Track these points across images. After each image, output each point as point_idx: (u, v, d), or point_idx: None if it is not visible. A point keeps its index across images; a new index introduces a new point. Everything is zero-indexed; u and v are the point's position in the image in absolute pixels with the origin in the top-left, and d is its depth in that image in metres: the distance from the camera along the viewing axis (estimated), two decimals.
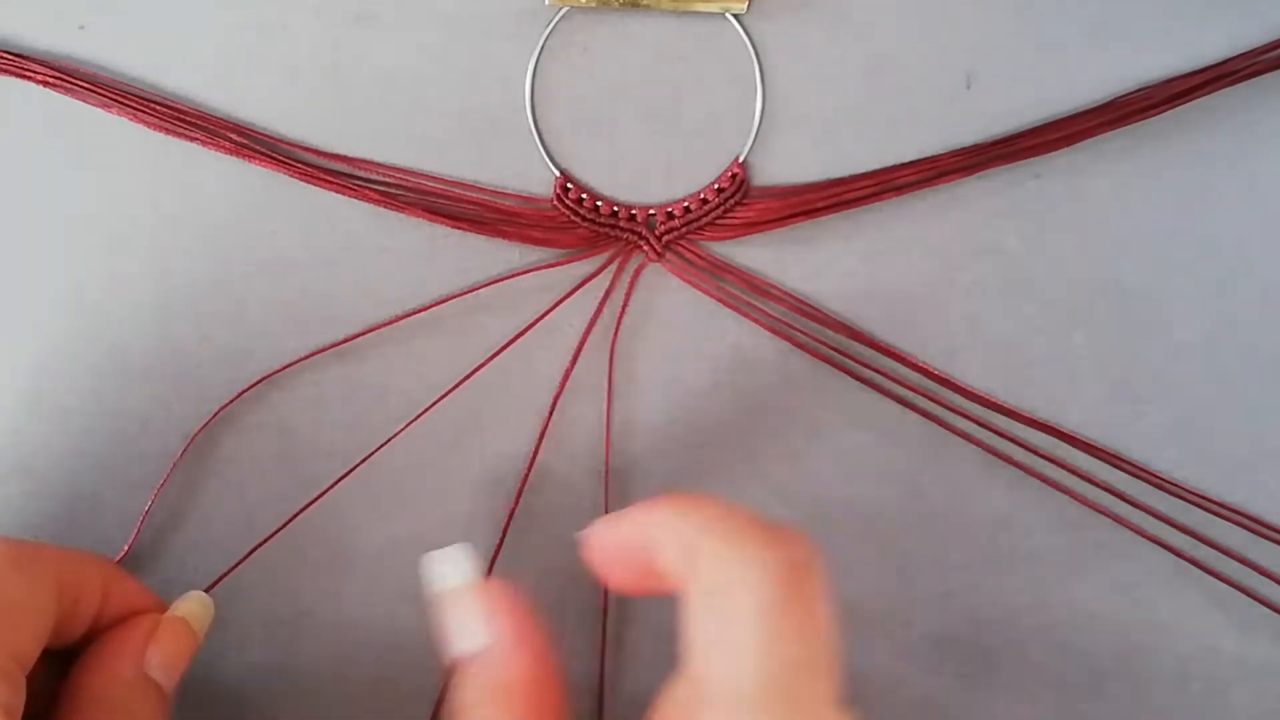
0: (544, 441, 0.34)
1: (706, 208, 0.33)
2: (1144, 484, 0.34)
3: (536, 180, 0.33)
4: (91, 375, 0.34)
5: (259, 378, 0.34)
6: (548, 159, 0.33)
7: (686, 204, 0.33)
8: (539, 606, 0.35)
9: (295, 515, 0.33)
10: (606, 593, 0.35)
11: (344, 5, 0.32)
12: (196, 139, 0.32)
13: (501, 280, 0.34)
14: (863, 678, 0.36)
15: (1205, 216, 0.34)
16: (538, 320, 0.34)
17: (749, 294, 0.34)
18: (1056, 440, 0.34)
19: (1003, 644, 0.36)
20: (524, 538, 0.35)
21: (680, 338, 0.34)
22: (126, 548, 0.33)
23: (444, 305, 0.34)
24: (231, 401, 0.33)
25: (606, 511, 0.35)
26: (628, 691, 0.36)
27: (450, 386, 0.33)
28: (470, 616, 0.27)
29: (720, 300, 0.34)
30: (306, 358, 0.34)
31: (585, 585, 0.35)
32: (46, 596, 0.28)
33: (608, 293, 0.34)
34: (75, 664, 0.30)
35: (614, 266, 0.34)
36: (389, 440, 0.33)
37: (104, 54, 0.33)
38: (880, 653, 0.36)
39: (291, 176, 0.33)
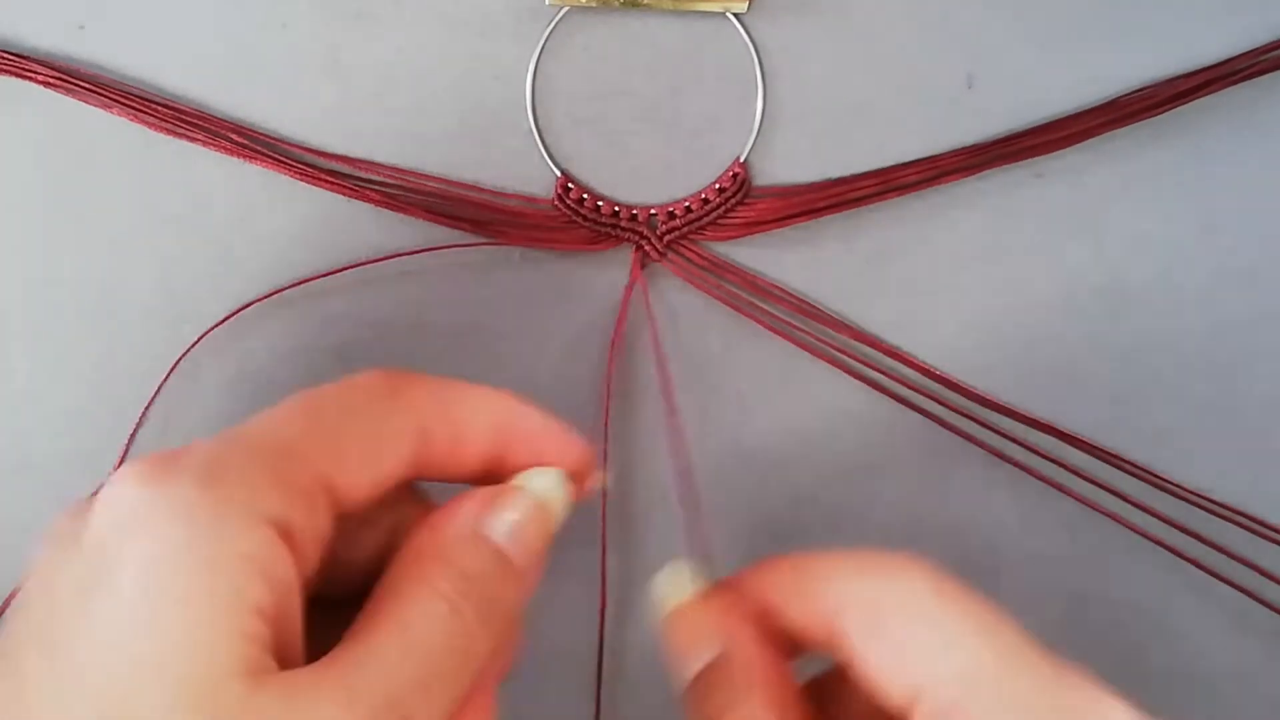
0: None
1: (707, 207, 0.33)
2: (1144, 484, 0.34)
3: (537, 180, 0.33)
4: (91, 375, 0.34)
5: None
6: (548, 159, 0.33)
7: (687, 204, 0.33)
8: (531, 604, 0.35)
9: None
10: (604, 591, 0.35)
11: (343, 5, 0.32)
12: (196, 139, 0.32)
13: (502, 281, 0.34)
14: None
15: (1205, 216, 0.34)
16: (537, 312, 0.34)
17: (750, 294, 0.34)
18: (1057, 440, 0.34)
19: None
20: None
21: (679, 338, 0.34)
22: None
23: (444, 306, 0.34)
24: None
25: (603, 510, 0.35)
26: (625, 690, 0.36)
27: None
28: (701, 627, 0.26)
29: (721, 300, 0.34)
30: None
31: (580, 580, 0.35)
32: (398, 427, 0.25)
33: (608, 293, 0.34)
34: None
35: (614, 267, 0.34)
36: None
37: (104, 54, 0.32)
38: None
39: (291, 176, 0.33)
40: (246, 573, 0.22)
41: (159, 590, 0.21)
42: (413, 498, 0.27)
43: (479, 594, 0.24)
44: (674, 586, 0.27)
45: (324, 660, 0.22)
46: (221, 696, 0.21)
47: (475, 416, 0.27)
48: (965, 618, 0.23)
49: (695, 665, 0.26)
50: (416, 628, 0.23)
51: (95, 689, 0.21)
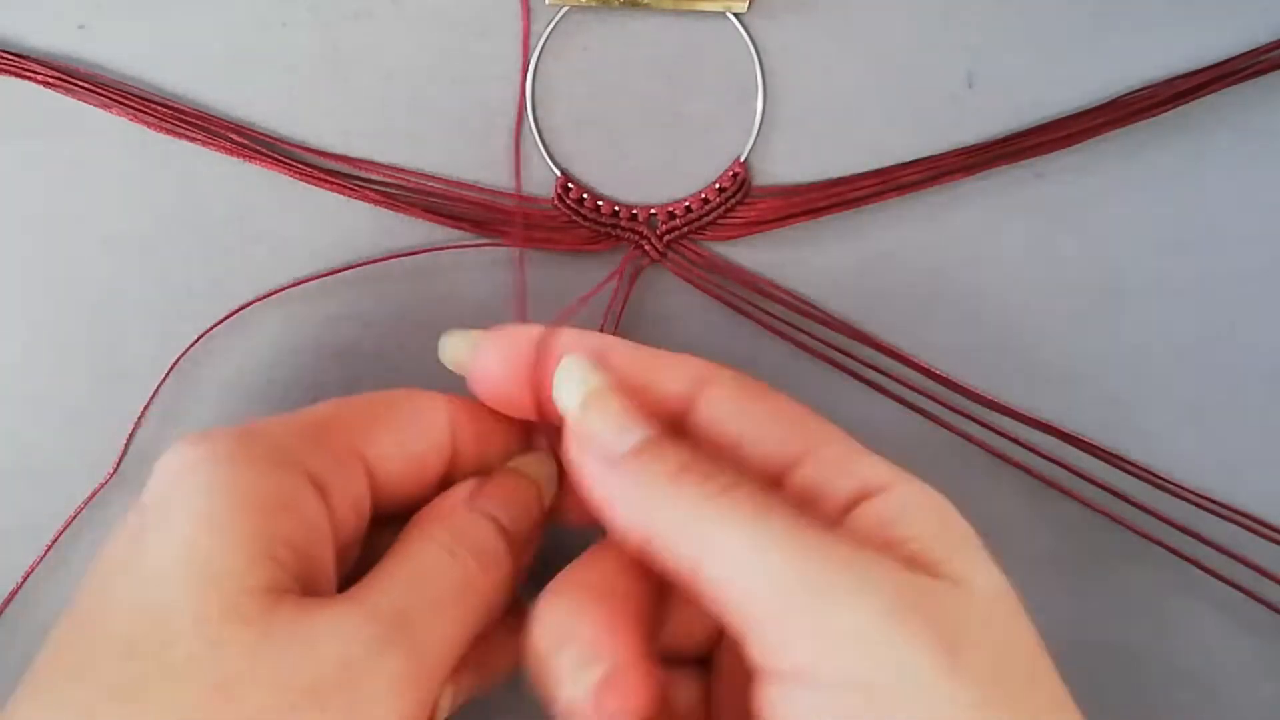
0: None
1: (707, 207, 0.33)
2: (1144, 484, 0.34)
3: (537, 180, 0.33)
4: (91, 375, 0.34)
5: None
6: (548, 159, 0.33)
7: (687, 204, 0.33)
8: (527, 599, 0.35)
9: None
10: None
11: (342, 4, 0.32)
12: (196, 139, 0.32)
13: (502, 281, 0.34)
14: None
15: (1206, 216, 0.34)
16: (536, 312, 0.34)
17: (750, 294, 0.34)
18: (1058, 440, 0.34)
19: None
20: None
21: (681, 338, 0.34)
22: None
23: (444, 307, 0.34)
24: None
25: None
26: None
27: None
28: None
29: (721, 300, 0.34)
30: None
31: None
32: (431, 420, 0.28)
33: (609, 293, 0.34)
34: None
35: (615, 267, 0.34)
36: None
37: (104, 54, 0.32)
38: None
39: (291, 176, 0.33)
40: (278, 509, 0.24)
41: (199, 521, 0.24)
42: None
43: (473, 545, 0.26)
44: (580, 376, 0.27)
45: (340, 594, 0.25)
46: (244, 608, 0.23)
47: (500, 423, 0.29)
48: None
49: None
50: (419, 562, 0.26)
51: (138, 606, 0.23)
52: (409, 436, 0.28)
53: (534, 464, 0.29)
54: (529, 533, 0.28)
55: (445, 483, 0.29)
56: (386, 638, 0.24)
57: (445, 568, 0.26)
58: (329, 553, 0.26)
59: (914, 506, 0.24)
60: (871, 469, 0.25)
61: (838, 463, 0.25)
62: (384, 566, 0.26)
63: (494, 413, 0.29)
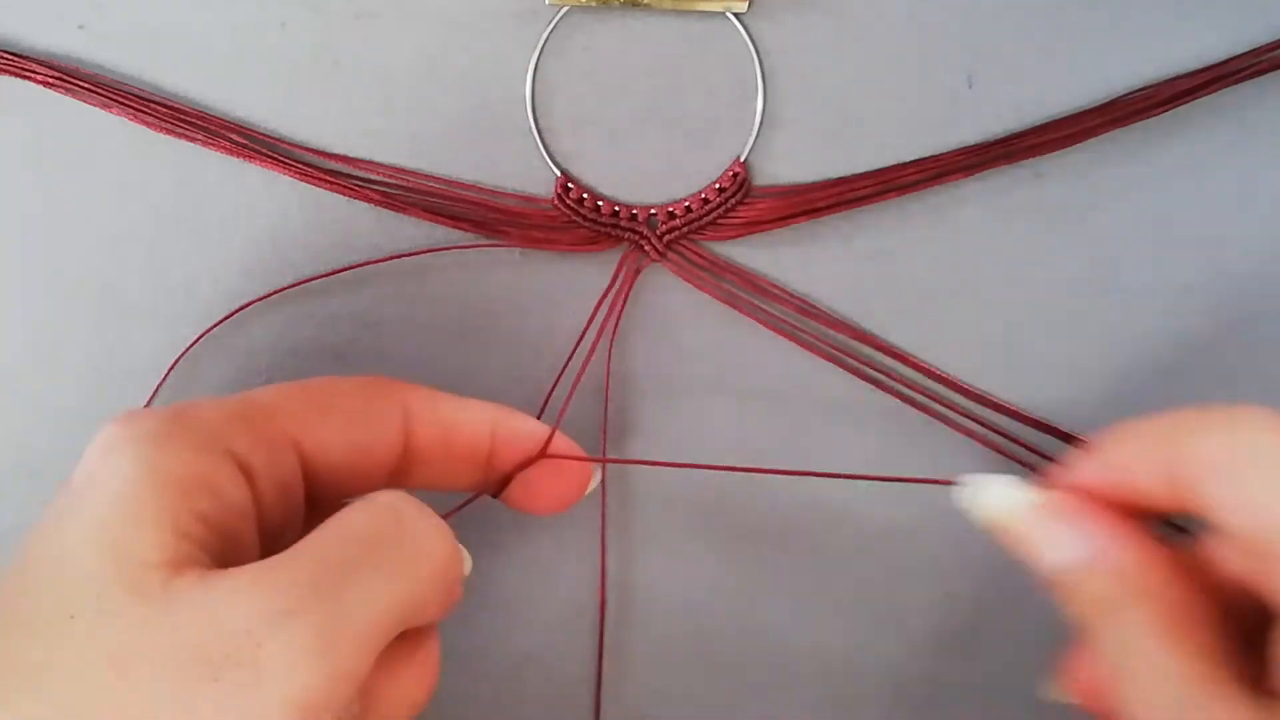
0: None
1: (707, 207, 0.33)
2: None
3: (537, 180, 0.33)
4: (91, 375, 0.34)
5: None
6: (548, 159, 0.33)
7: (687, 204, 0.33)
8: (531, 599, 0.35)
9: None
10: (604, 591, 0.35)
11: (343, 4, 0.32)
12: (196, 139, 0.32)
13: (502, 280, 0.34)
14: (862, 676, 0.36)
15: (1206, 216, 0.34)
16: (536, 311, 0.34)
17: (750, 294, 0.34)
18: (1057, 440, 0.34)
19: (1003, 644, 0.36)
20: (520, 535, 0.35)
21: (681, 338, 0.34)
22: None
23: (444, 307, 0.34)
24: None
25: (603, 510, 0.35)
26: (626, 692, 0.36)
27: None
28: (1054, 532, 0.27)
29: (721, 300, 0.34)
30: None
31: (580, 580, 0.35)
32: (379, 410, 0.28)
33: (608, 293, 0.34)
34: None
35: (615, 266, 0.34)
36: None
37: (104, 54, 0.32)
38: (879, 653, 0.36)
39: (291, 176, 0.33)
40: (193, 487, 0.24)
41: (111, 500, 0.24)
42: None
43: (420, 509, 0.26)
44: (1006, 499, 0.27)
45: (249, 564, 0.24)
46: (144, 581, 0.23)
47: (464, 417, 0.29)
48: None
49: (1060, 570, 0.27)
50: (351, 518, 0.25)
51: (48, 584, 0.23)
52: (354, 427, 0.28)
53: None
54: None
55: (401, 472, 0.28)
56: (295, 607, 0.22)
57: (380, 532, 0.25)
58: (251, 532, 0.25)
59: None
60: None
61: None
62: (305, 538, 0.24)
63: (457, 405, 0.29)
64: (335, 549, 0.24)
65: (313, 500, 0.28)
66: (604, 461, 0.34)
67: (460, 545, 0.27)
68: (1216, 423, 0.25)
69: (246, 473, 0.25)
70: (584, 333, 0.34)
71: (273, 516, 0.26)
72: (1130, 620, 0.25)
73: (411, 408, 0.29)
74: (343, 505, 0.26)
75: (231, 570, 0.23)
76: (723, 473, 0.35)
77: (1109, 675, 0.26)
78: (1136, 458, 0.26)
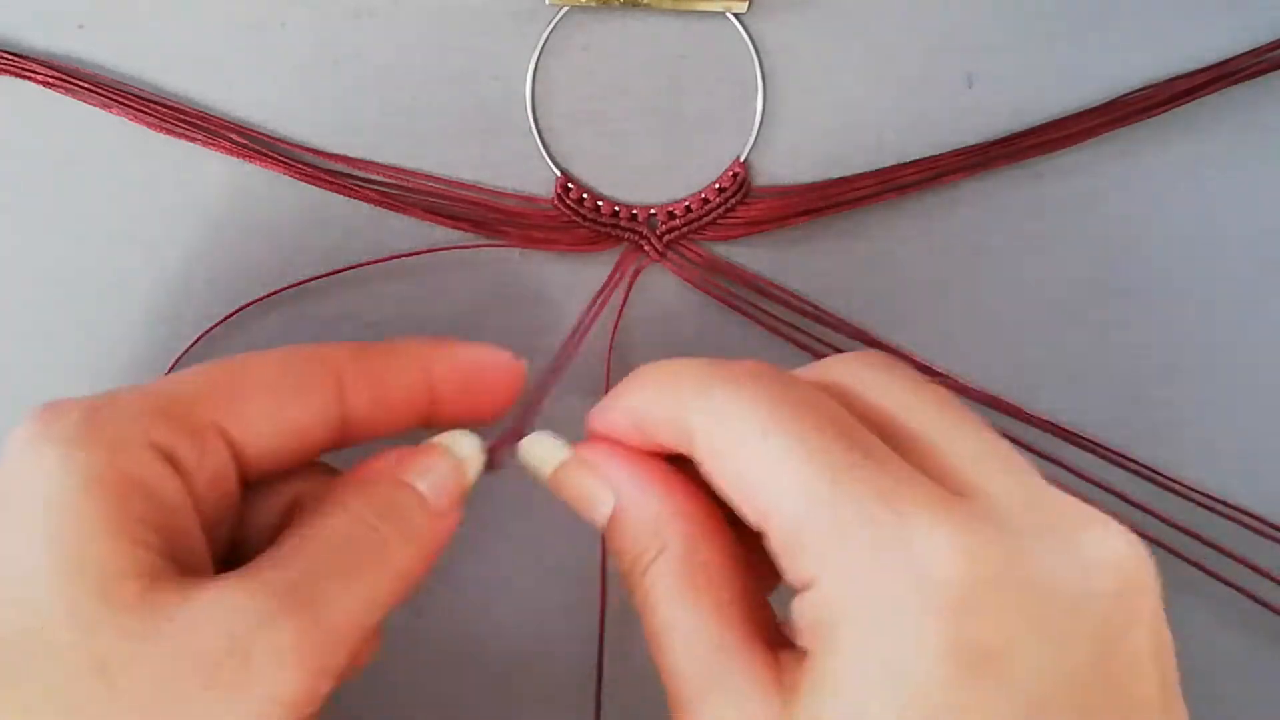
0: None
1: (707, 207, 0.33)
2: (1145, 484, 0.34)
3: (537, 180, 0.33)
4: (91, 375, 0.34)
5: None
6: (548, 159, 0.33)
7: (687, 204, 0.33)
8: (531, 598, 0.35)
9: None
10: (604, 590, 0.35)
11: (343, 3, 0.32)
12: (196, 139, 0.32)
13: (502, 280, 0.34)
14: None
15: (1205, 216, 0.34)
16: (535, 311, 0.34)
17: (750, 294, 0.34)
18: (1058, 440, 0.34)
19: None
20: (521, 536, 0.35)
21: (681, 338, 0.34)
22: None
23: (444, 307, 0.34)
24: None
25: None
26: (627, 680, 0.36)
27: None
28: (590, 483, 0.26)
29: (721, 300, 0.34)
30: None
31: (580, 580, 0.35)
32: (307, 381, 0.27)
33: (608, 293, 0.34)
34: None
35: (614, 267, 0.34)
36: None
37: (104, 54, 0.32)
38: None
39: (291, 176, 0.33)
40: (127, 487, 0.23)
41: (48, 510, 0.23)
42: (327, 472, 0.28)
43: (396, 514, 0.25)
44: (545, 452, 0.27)
45: (231, 571, 0.24)
46: (118, 592, 0.22)
47: (398, 364, 0.28)
48: (795, 444, 0.22)
49: (600, 522, 0.26)
50: (330, 532, 0.25)
51: (4, 600, 0.22)
52: (283, 406, 0.26)
53: (460, 441, 0.28)
54: (451, 517, 0.27)
55: (338, 443, 0.28)
56: (278, 610, 0.23)
57: (357, 537, 0.25)
58: (195, 529, 0.25)
59: None
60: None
61: None
62: (287, 538, 0.24)
63: (386, 355, 0.28)
64: (330, 556, 0.24)
65: (248, 482, 0.27)
66: None
67: (459, 457, 0.27)
68: (708, 388, 0.24)
69: (175, 467, 0.25)
70: (583, 332, 0.34)
71: (210, 509, 0.26)
72: (656, 576, 0.25)
73: (342, 371, 0.27)
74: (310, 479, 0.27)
75: (211, 579, 0.23)
76: None
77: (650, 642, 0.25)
78: (651, 407, 0.25)
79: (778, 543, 0.23)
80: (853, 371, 0.25)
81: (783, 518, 0.22)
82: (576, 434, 0.34)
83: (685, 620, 0.24)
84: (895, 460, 0.22)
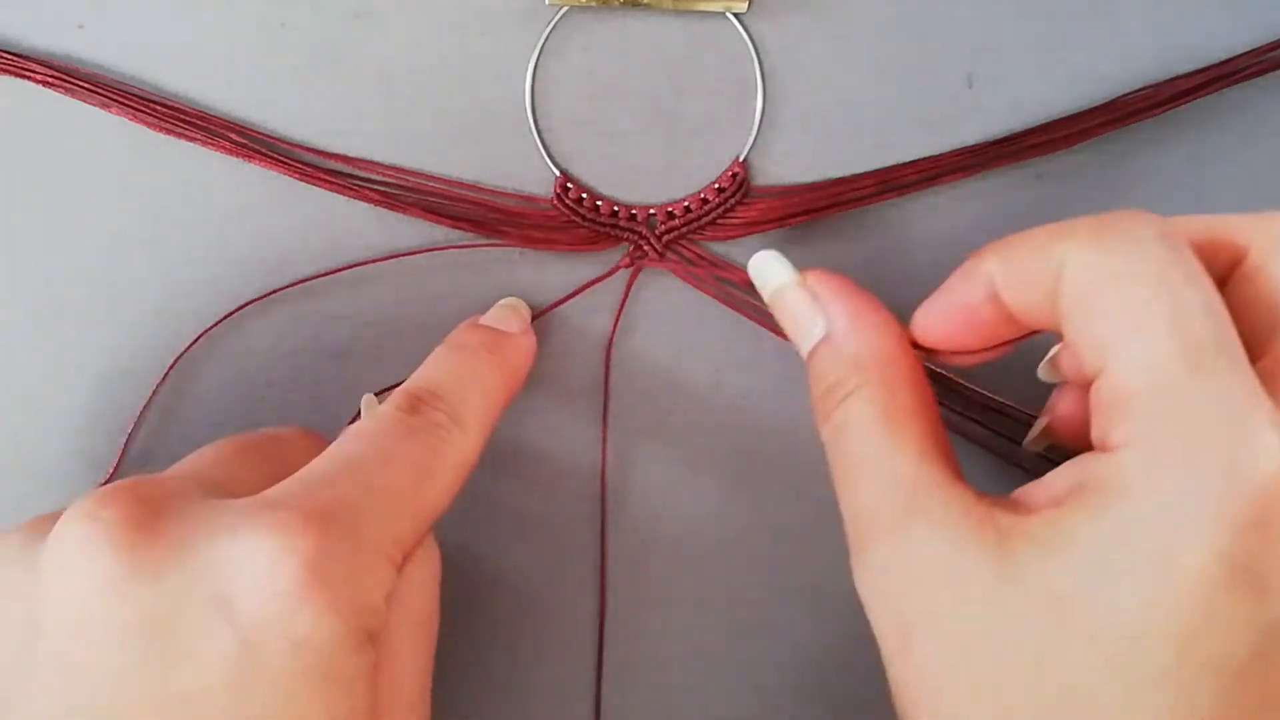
0: (541, 441, 0.34)
1: (707, 207, 0.33)
2: None
3: (536, 180, 0.33)
4: (91, 375, 0.34)
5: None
6: (547, 159, 0.33)
7: (687, 204, 0.33)
8: (534, 596, 0.35)
9: None
10: (604, 590, 0.35)
11: (343, 4, 0.32)
12: (196, 139, 0.32)
13: (502, 280, 0.34)
14: (863, 673, 0.36)
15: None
16: (536, 317, 0.34)
17: (749, 294, 0.34)
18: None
19: None
20: (522, 535, 0.35)
21: (678, 338, 0.34)
22: None
23: (444, 307, 0.34)
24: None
25: (603, 518, 0.35)
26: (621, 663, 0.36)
27: None
28: (806, 308, 0.28)
29: (721, 300, 0.34)
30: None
31: (580, 580, 0.35)
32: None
33: (608, 293, 0.34)
34: None
35: (614, 266, 0.34)
36: None
37: (104, 54, 0.32)
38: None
39: (291, 176, 0.33)
40: (375, 655, 0.25)
41: (327, 683, 0.23)
42: None
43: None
44: (772, 271, 0.29)
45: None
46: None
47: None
48: (1171, 305, 0.22)
49: (806, 348, 0.28)
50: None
51: None
52: (428, 507, 0.28)
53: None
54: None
55: None
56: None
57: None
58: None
59: None
60: None
61: None
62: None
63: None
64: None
65: None
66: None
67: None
68: (1096, 236, 0.24)
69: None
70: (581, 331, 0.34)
71: None
72: (854, 407, 0.26)
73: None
74: None
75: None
76: (720, 474, 0.35)
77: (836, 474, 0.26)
78: (1028, 239, 0.25)
79: (1104, 395, 0.22)
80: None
81: (1123, 377, 0.22)
82: (572, 434, 0.35)
83: (884, 451, 0.25)
84: (1250, 372, 0.22)
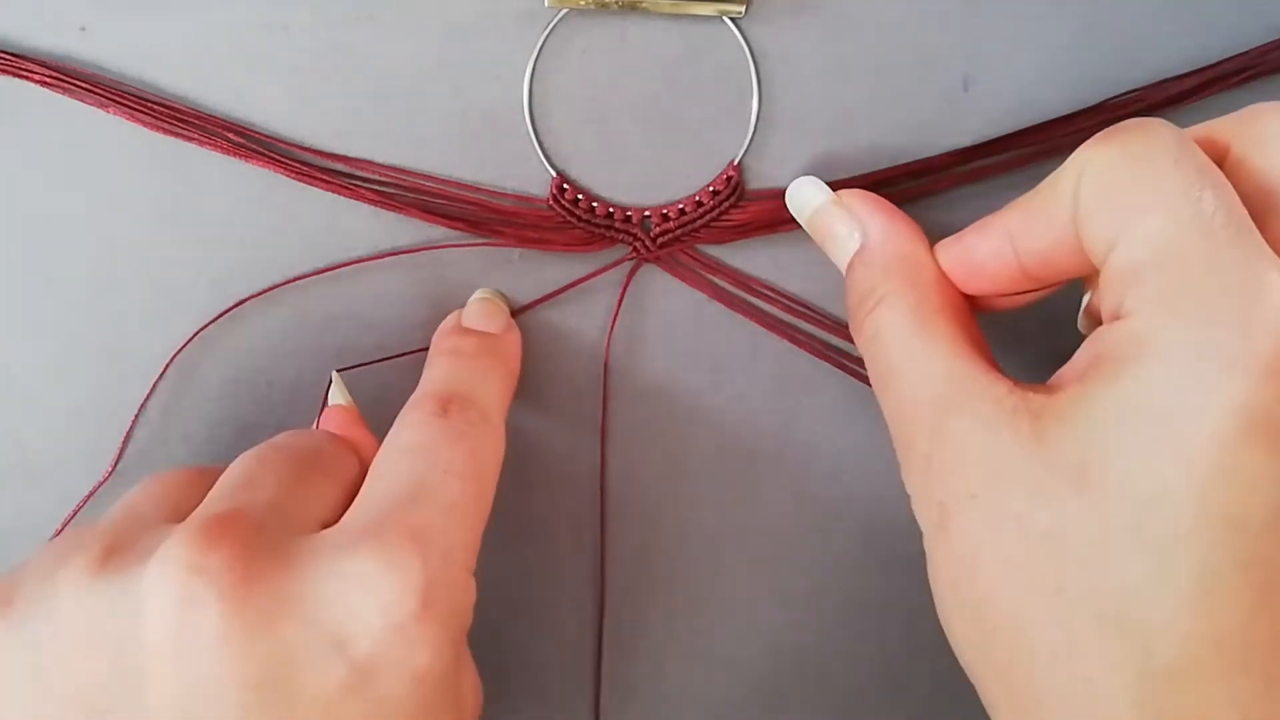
0: (540, 442, 0.34)
1: (701, 210, 0.33)
2: None
3: (533, 181, 0.33)
4: (90, 375, 0.34)
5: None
6: (545, 160, 0.33)
7: (681, 206, 0.33)
8: (533, 596, 0.35)
9: None
10: (604, 590, 0.35)
11: (343, 6, 0.32)
12: (196, 139, 0.32)
13: (500, 281, 0.34)
14: (863, 673, 0.36)
15: None
16: (527, 308, 0.34)
17: (744, 294, 0.34)
18: None
19: None
20: (521, 534, 0.35)
21: (675, 339, 0.34)
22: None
23: (442, 307, 0.34)
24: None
25: (602, 519, 0.35)
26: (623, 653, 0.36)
27: None
28: (843, 223, 0.29)
29: (717, 300, 0.34)
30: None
31: (580, 580, 0.35)
32: None
33: (606, 294, 0.34)
34: None
35: (609, 267, 0.34)
36: None
37: (104, 54, 0.33)
38: (881, 651, 0.36)
39: (290, 177, 0.33)
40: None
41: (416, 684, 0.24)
42: None
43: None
44: (808, 195, 0.30)
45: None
46: None
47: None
48: (1182, 185, 0.22)
49: (845, 261, 0.29)
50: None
51: None
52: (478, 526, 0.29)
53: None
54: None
55: None
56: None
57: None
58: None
59: None
60: None
61: None
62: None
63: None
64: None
65: None
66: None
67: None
68: (1114, 135, 0.24)
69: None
70: (580, 333, 0.34)
71: None
72: (889, 311, 0.26)
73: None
74: None
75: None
76: (718, 474, 0.35)
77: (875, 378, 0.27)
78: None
79: (1118, 269, 0.23)
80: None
81: (1136, 249, 0.22)
82: (571, 435, 0.35)
83: (915, 351, 0.26)
84: (1260, 237, 0.22)
